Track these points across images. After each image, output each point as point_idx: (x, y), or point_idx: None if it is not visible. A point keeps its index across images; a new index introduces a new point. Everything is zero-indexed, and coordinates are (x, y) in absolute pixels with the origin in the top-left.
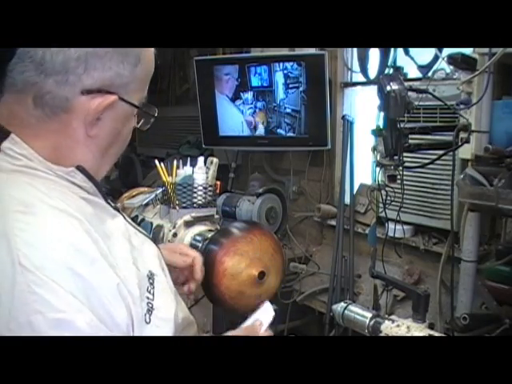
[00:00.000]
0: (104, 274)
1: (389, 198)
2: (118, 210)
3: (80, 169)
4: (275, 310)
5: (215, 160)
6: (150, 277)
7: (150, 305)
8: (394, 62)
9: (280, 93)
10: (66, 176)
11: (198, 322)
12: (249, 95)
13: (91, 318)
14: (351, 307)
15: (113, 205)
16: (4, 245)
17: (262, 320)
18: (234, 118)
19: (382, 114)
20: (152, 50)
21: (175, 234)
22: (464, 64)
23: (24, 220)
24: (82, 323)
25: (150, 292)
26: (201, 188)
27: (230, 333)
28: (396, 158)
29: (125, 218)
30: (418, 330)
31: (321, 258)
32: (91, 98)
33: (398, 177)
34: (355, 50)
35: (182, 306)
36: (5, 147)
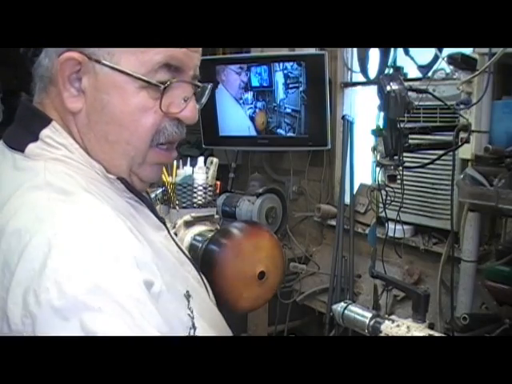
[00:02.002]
0: (142, 276)
1: (389, 197)
2: (164, 223)
3: (123, 182)
4: None
5: (215, 160)
6: (187, 298)
7: (192, 321)
8: (394, 62)
9: (280, 93)
10: (106, 179)
11: None
12: (249, 95)
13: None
14: (351, 307)
15: (160, 216)
16: (41, 229)
17: None
18: (235, 118)
19: (382, 113)
20: None
21: (175, 234)
22: (464, 64)
23: (64, 208)
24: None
25: (189, 309)
26: (201, 188)
27: None
28: (396, 157)
29: (169, 232)
30: (418, 330)
31: (321, 258)
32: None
33: (398, 177)
34: (355, 50)
35: (222, 326)
36: (44, 135)
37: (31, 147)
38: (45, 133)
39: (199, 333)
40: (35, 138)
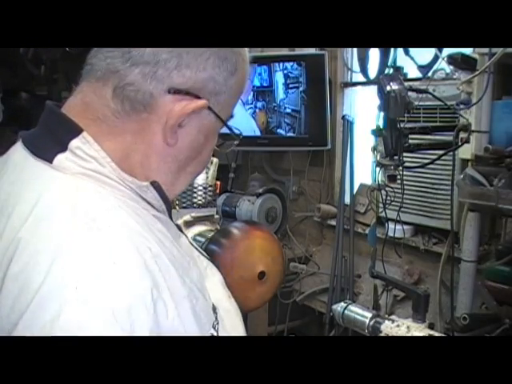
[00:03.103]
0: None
1: (389, 198)
2: (181, 230)
3: (155, 185)
4: None
5: (215, 160)
6: (214, 310)
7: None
8: (394, 62)
9: (280, 93)
10: (138, 190)
11: None
12: (249, 95)
13: None
14: (351, 307)
15: (177, 224)
16: (54, 255)
17: None
18: (236, 118)
19: (382, 113)
20: (248, 64)
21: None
22: (464, 64)
23: (88, 236)
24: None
25: (214, 328)
26: (201, 188)
27: None
28: (396, 157)
29: (187, 237)
30: (418, 330)
31: (321, 258)
32: (178, 100)
33: (398, 177)
34: (355, 50)
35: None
36: (73, 146)
37: (60, 158)
38: (75, 144)
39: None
40: (64, 149)
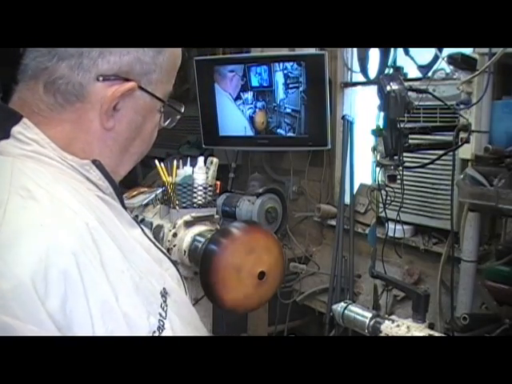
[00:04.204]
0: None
1: (389, 198)
2: (137, 222)
3: (96, 163)
4: None
5: (215, 160)
6: (164, 295)
7: (162, 322)
8: (394, 62)
9: (280, 93)
10: (81, 169)
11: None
12: (249, 95)
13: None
14: (351, 307)
15: (130, 214)
16: None
17: None
18: (235, 118)
19: (382, 113)
20: None
21: (175, 234)
22: (464, 64)
23: (21, 204)
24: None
25: (163, 309)
26: (201, 188)
27: None
28: (396, 157)
29: (143, 230)
30: (418, 330)
31: (321, 258)
32: (108, 86)
33: (398, 177)
34: (355, 50)
35: (195, 326)
36: (15, 131)
37: (2, 144)
38: (16, 129)
39: (167, 333)
40: (7, 135)
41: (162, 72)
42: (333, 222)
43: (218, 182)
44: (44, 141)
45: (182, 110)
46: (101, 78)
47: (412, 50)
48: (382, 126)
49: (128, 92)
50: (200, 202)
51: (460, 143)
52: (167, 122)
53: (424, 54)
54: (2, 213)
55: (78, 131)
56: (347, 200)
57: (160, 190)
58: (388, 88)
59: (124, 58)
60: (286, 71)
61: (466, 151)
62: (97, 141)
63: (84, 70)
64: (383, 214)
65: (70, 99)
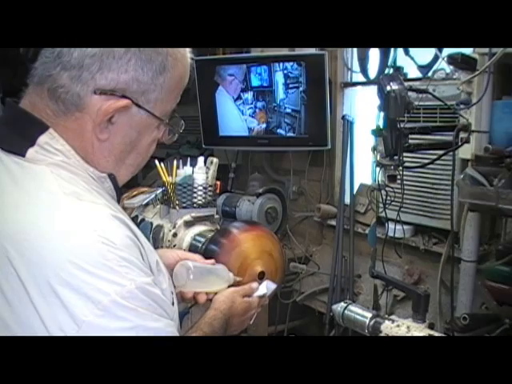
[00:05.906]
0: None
1: (389, 198)
2: (135, 222)
3: (111, 177)
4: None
5: (215, 160)
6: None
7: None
8: (394, 62)
9: (280, 93)
10: (97, 180)
11: None
12: (249, 95)
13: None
14: (351, 307)
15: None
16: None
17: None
18: (235, 118)
19: (382, 113)
20: (188, 61)
21: (175, 234)
22: (464, 64)
23: (74, 203)
24: None
25: (172, 294)
26: (201, 188)
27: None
28: (396, 158)
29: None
30: (418, 330)
31: (321, 258)
32: (104, 99)
33: (398, 177)
34: (355, 50)
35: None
36: (42, 141)
37: (31, 152)
38: (43, 139)
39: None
40: (32, 144)
41: (163, 92)
42: (333, 222)
43: (218, 182)
44: (69, 152)
45: (182, 130)
46: (98, 92)
47: (412, 50)
48: (382, 126)
49: (122, 108)
50: (200, 202)
51: (460, 143)
52: (168, 138)
53: (424, 54)
54: (68, 212)
55: (79, 140)
56: (347, 200)
57: (160, 190)
58: (388, 88)
59: (122, 76)
60: (286, 71)
61: (465, 151)
62: (96, 150)
63: (82, 83)
64: (383, 214)
65: (70, 108)
